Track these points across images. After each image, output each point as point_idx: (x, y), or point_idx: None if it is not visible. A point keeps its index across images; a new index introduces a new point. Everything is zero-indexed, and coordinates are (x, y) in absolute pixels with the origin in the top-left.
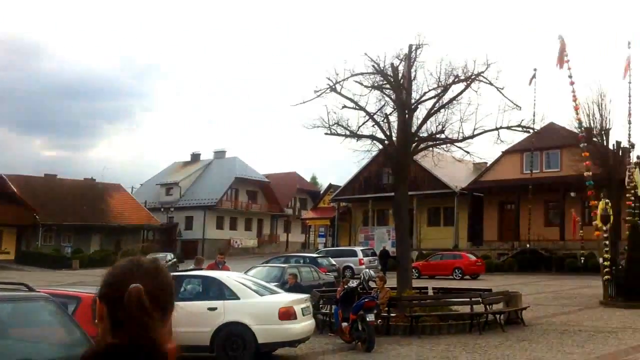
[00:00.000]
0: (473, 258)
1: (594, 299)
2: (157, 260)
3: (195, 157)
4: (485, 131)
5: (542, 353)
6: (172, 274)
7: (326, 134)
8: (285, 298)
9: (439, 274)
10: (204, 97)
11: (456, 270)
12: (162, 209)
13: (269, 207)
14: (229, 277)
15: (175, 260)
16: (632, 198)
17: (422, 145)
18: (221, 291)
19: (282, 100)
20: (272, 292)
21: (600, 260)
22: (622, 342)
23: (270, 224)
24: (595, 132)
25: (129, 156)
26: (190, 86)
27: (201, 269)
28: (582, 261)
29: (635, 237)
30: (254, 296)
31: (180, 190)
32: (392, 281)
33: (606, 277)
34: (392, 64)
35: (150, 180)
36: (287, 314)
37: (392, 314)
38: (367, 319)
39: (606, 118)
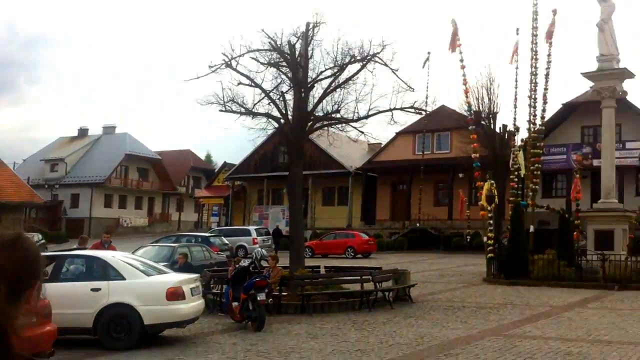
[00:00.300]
0: (365, 237)
1: (478, 277)
2: (20, 234)
3: (83, 132)
4: (380, 112)
5: (428, 329)
6: (50, 253)
7: (221, 110)
8: (173, 278)
9: (332, 252)
10: (93, 71)
11: (349, 249)
12: (46, 186)
13: (160, 185)
14: (114, 256)
15: (43, 241)
16: (516, 180)
17: (317, 125)
18: (105, 271)
19: (177, 75)
20: (160, 272)
21: (485, 239)
22: (503, 318)
23: (162, 202)
24: (483, 115)
25: (12, 130)
26: (79, 59)
27: (85, 249)
28: (468, 240)
29: (517, 217)
30: (141, 276)
31: (66, 167)
32: (285, 260)
33: (489, 255)
34: (289, 42)
35: (33, 155)
36: (175, 294)
37: (283, 293)
38: (258, 298)
39: (494, 102)
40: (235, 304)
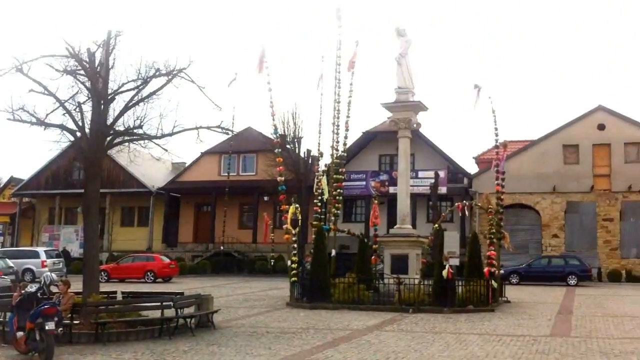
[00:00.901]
0: (166, 260)
1: (282, 301)
2: None
3: None
4: (185, 129)
5: (230, 356)
6: None
7: (9, 119)
8: None
9: (130, 277)
10: None
11: (148, 273)
12: None
13: None
14: None
15: None
16: (319, 204)
17: (117, 140)
18: None
19: None
20: None
21: (289, 262)
22: (306, 342)
23: None
24: (289, 139)
25: None
26: None
27: None
28: (272, 263)
29: (320, 241)
30: None
31: None
32: (78, 285)
33: (293, 279)
34: (88, 49)
35: None
36: None
37: (75, 322)
38: (47, 328)
39: (299, 127)
40: (20, 333)
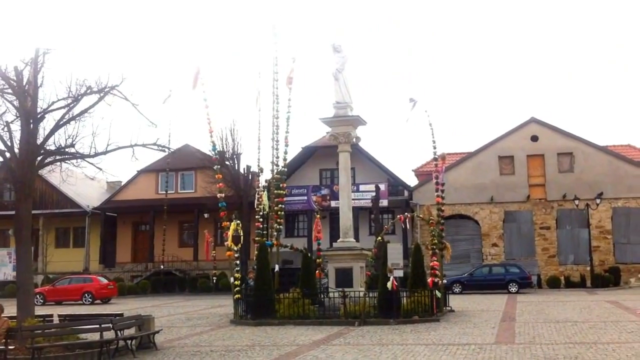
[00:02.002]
0: (104, 281)
1: (226, 318)
2: None
3: None
4: (119, 147)
5: None
6: None
7: None
8: None
9: (67, 299)
10: None
11: (86, 295)
12: None
13: None
14: None
15: None
16: (261, 219)
17: (49, 159)
18: None
19: None
20: None
21: (232, 279)
22: (252, 359)
23: None
24: (228, 155)
25: None
26: None
27: None
28: (215, 281)
29: (263, 256)
30: None
31: None
32: (12, 309)
33: (237, 295)
34: (15, 67)
35: None
36: None
37: (10, 347)
38: None
39: (238, 143)
40: None
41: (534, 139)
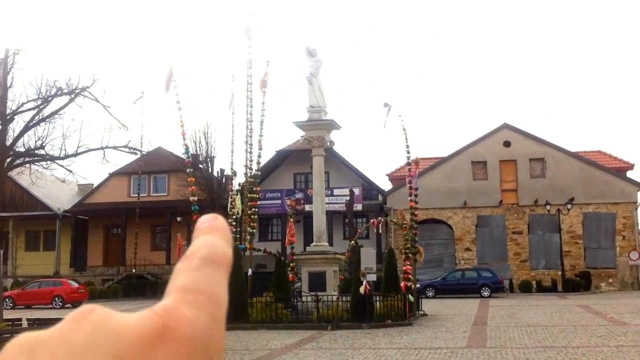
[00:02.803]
0: (75, 285)
1: None
2: None
3: None
4: (90, 150)
5: None
6: None
7: None
8: None
9: (37, 303)
10: None
11: (56, 299)
12: None
13: None
14: None
15: None
16: (234, 223)
17: (18, 161)
18: None
19: None
20: None
21: None
22: None
23: None
24: (201, 159)
25: None
26: None
27: None
28: None
29: (236, 261)
30: None
31: None
32: None
33: None
34: None
35: None
36: None
37: None
38: None
39: (211, 146)
40: None
41: (507, 144)
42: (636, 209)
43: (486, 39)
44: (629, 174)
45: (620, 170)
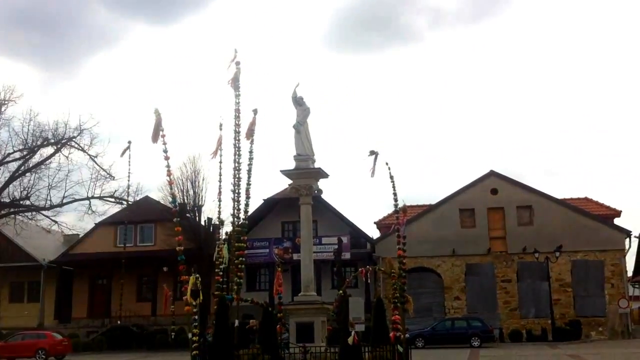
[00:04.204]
0: (59, 337)
1: None
2: None
3: None
4: (76, 200)
5: None
6: None
7: None
8: None
9: (20, 356)
10: None
11: (39, 352)
12: None
13: None
14: None
15: None
16: (221, 273)
17: (3, 212)
18: None
19: None
20: None
21: (190, 335)
22: None
23: None
24: (188, 207)
25: None
26: None
27: None
28: (173, 336)
29: (222, 311)
30: None
31: None
32: None
33: (195, 352)
34: None
35: None
36: None
37: None
38: None
39: (199, 195)
40: None
41: (494, 192)
42: (624, 256)
43: (473, 87)
44: (616, 221)
45: (607, 217)
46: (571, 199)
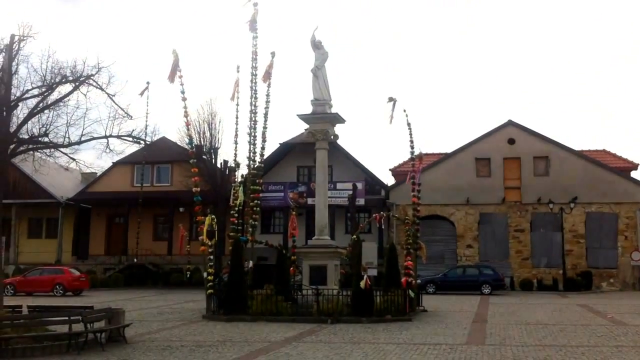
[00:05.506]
0: (76, 273)
1: (198, 313)
2: None
3: None
4: (94, 138)
5: None
6: None
7: None
8: None
9: (38, 290)
10: None
11: (57, 287)
12: None
13: None
14: None
15: None
16: (236, 215)
17: (22, 148)
18: None
19: None
20: None
21: (205, 274)
22: (222, 356)
23: None
24: (205, 149)
25: None
26: None
27: None
28: (188, 275)
29: (237, 253)
30: None
31: None
32: None
33: (209, 291)
34: None
35: None
36: None
37: None
38: None
39: (216, 137)
40: None
41: (511, 141)
42: (639, 209)
43: (493, 36)
44: (633, 174)
45: (624, 170)
46: (589, 150)
